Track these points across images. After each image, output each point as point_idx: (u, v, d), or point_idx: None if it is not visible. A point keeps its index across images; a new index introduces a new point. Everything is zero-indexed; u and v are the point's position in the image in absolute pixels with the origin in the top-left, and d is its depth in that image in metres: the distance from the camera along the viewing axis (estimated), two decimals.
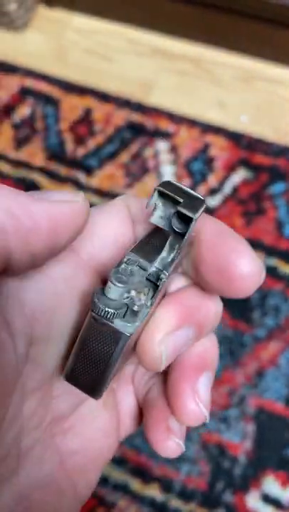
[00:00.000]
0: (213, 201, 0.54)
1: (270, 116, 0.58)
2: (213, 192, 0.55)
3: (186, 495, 0.46)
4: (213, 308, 0.18)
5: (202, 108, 0.59)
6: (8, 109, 0.61)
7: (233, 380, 0.49)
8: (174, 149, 0.57)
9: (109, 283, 0.15)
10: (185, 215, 0.15)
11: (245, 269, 0.15)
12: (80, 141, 0.59)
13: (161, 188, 0.15)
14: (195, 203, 0.15)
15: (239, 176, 0.55)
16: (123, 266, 0.16)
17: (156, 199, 0.16)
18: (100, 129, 0.59)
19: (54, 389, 0.18)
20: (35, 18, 0.66)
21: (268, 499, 0.46)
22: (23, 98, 0.61)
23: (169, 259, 0.16)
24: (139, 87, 0.61)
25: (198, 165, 0.56)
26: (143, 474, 0.47)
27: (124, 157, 0.57)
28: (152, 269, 0.16)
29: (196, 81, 0.61)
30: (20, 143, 0.59)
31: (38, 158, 0.58)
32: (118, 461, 0.47)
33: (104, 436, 0.19)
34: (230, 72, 0.61)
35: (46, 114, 0.60)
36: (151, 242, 0.17)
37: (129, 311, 0.16)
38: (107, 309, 0.15)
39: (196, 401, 0.17)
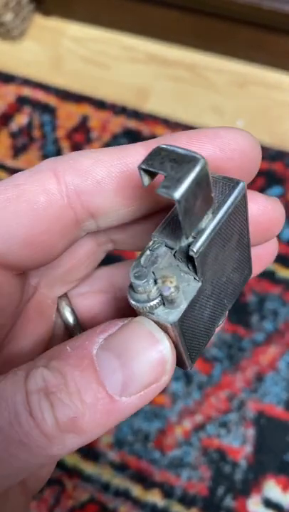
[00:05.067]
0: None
1: (265, 121, 0.58)
2: None
3: (187, 500, 0.46)
4: None
5: (198, 114, 0.59)
6: (6, 118, 0.61)
7: (232, 385, 0.49)
8: None
9: (130, 280, 0.15)
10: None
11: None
12: (77, 148, 0.59)
13: (144, 166, 0.14)
14: (182, 171, 0.13)
15: None
16: (147, 253, 0.15)
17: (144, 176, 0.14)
18: (97, 136, 0.59)
19: None
20: (31, 27, 0.66)
21: (269, 504, 0.46)
22: (20, 107, 0.61)
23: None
24: (135, 93, 0.61)
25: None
26: (144, 480, 0.47)
27: None
28: (181, 244, 0.15)
29: (192, 87, 0.61)
30: (17, 151, 0.60)
31: None
32: (119, 467, 0.48)
33: None
34: (226, 77, 0.61)
35: (43, 122, 0.61)
36: (175, 218, 0.16)
37: (165, 300, 0.15)
38: (136, 304, 0.15)
39: None
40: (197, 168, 0.13)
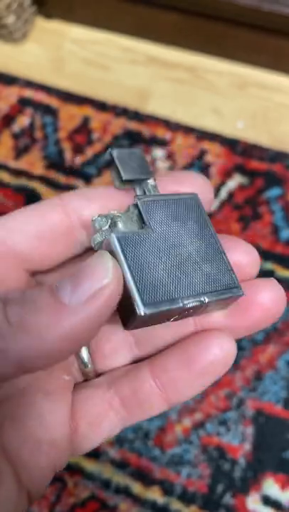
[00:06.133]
0: (210, 207, 0.55)
1: (265, 123, 0.59)
2: None
3: (186, 498, 0.47)
4: None
5: (198, 115, 0.60)
6: (8, 120, 0.62)
7: (231, 383, 0.49)
8: (170, 156, 0.58)
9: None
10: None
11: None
12: (78, 149, 0.60)
13: (112, 152, 0.21)
14: (136, 164, 0.21)
15: (235, 181, 0.56)
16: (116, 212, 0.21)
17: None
18: (98, 137, 0.60)
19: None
20: (33, 29, 0.67)
21: (268, 501, 0.47)
22: (22, 108, 0.62)
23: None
24: (136, 95, 0.62)
25: (195, 171, 0.57)
26: (144, 478, 0.48)
27: None
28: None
29: (192, 89, 0.62)
30: (20, 152, 0.60)
31: (38, 167, 0.59)
32: (119, 464, 0.48)
33: (52, 445, 0.20)
34: (226, 79, 0.62)
35: (45, 123, 0.61)
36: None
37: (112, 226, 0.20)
38: (92, 244, 0.20)
39: None
40: (133, 149, 0.21)
